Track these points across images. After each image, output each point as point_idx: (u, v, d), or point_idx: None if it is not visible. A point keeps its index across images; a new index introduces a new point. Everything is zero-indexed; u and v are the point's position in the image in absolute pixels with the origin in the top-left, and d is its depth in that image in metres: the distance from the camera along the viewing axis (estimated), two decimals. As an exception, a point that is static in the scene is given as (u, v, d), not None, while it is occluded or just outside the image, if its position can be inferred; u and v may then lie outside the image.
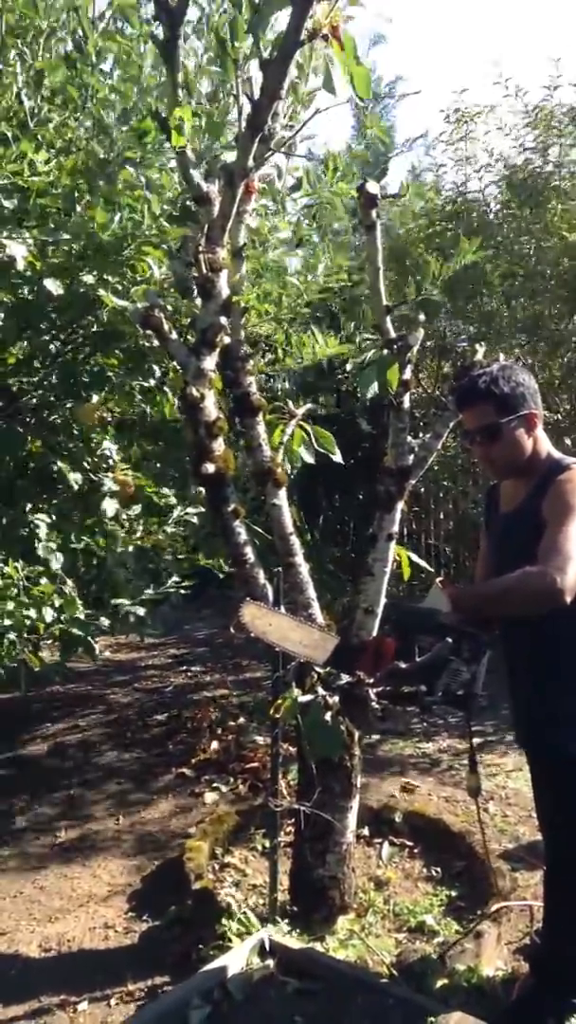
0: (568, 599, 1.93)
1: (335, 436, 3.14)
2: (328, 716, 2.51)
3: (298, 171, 3.49)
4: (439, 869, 3.28)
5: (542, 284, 6.16)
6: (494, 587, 2.14)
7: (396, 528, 2.88)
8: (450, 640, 1.98)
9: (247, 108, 2.43)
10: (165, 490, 3.68)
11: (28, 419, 3.59)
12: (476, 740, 4.21)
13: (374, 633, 2.80)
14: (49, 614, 2.85)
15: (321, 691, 2.56)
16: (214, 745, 4.60)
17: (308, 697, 2.54)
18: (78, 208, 3.11)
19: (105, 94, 3.14)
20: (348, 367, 2.79)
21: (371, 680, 2.07)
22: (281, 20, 2.29)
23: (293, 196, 3.72)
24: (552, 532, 2.03)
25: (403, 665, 1.98)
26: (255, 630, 2.42)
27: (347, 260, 3.98)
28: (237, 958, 2.57)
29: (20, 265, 2.86)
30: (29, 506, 3.25)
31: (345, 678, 2.27)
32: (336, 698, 2.59)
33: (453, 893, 3.11)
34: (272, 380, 5.49)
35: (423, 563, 3.24)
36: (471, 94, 6.62)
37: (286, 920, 2.81)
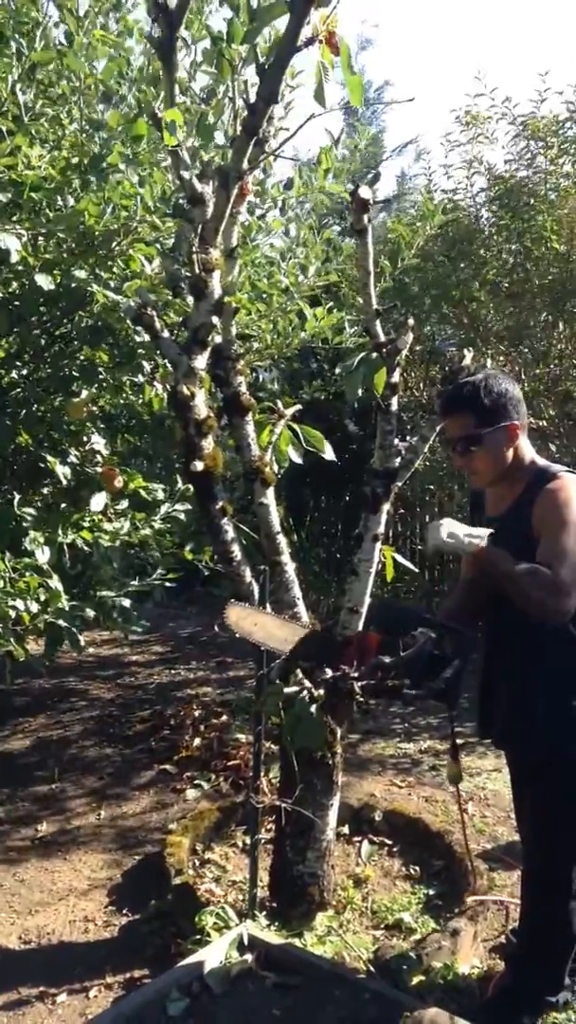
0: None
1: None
2: (312, 709, 2.53)
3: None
4: (417, 868, 3.31)
5: (528, 293, 6.21)
6: (515, 569, 2.08)
7: (382, 529, 2.91)
8: (433, 635, 2.01)
9: (243, 111, 2.46)
10: (153, 485, 3.69)
11: (17, 412, 3.59)
12: (457, 741, 4.24)
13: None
14: (34, 606, 2.86)
15: (306, 683, 2.58)
16: (196, 742, 4.61)
17: (293, 689, 2.56)
18: (71, 202, 3.13)
19: (94, 87, 3.17)
20: (337, 370, 2.82)
21: (355, 674, 2.11)
22: (278, 23, 2.32)
23: (287, 194, 3.78)
24: (552, 549, 2.05)
25: (386, 659, 2.01)
26: (240, 631, 2.45)
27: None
28: (216, 952, 2.59)
29: (13, 258, 2.87)
30: (17, 499, 3.25)
31: (329, 672, 2.30)
32: (320, 691, 2.61)
33: (431, 892, 3.14)
34: (257, 373, 5.53)
35: (408, 564, 3.27)
36: (460, 99, 6.57)
37: (265, 915, 2.84)
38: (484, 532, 2.19)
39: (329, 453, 3.07)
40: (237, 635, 2.45)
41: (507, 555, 2.12)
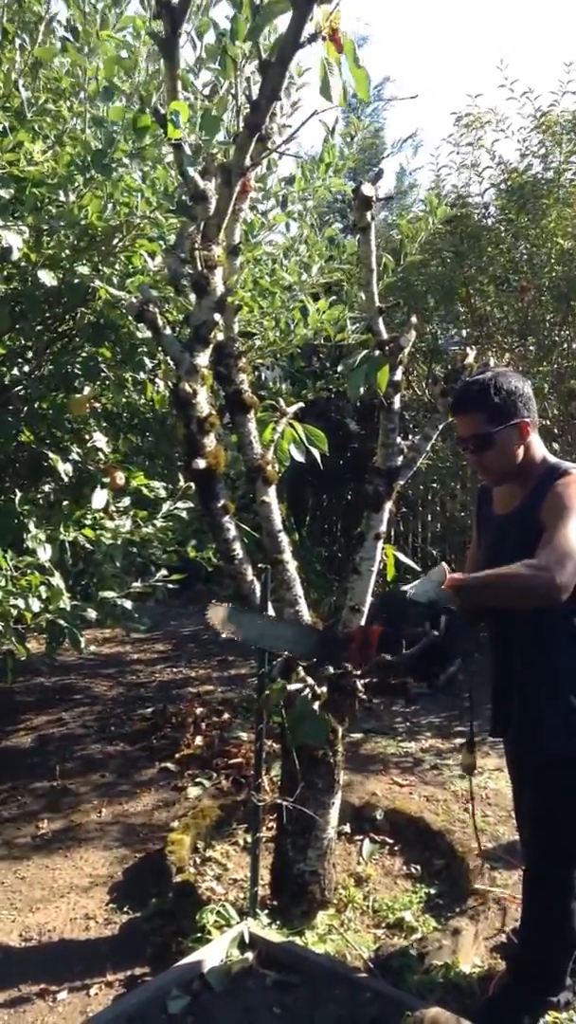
0: (564, 597, 1.96)
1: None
2: (315, 707, 2.52)
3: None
4: (419, 867, 3.31)
5: (534, 287, 6.19)
6: (493, 576, 2.10)
7: (384, 528, 2.90)
8: (435, 632, 1.99)
9: (245, 107, 2.45)
10: (155, 483, 3.68)
11: (19, 409, 3.59)
12: (458, 741, 4.24)
13: (360, 631, 2.82)
14: (36, 604, 2.86)
15: (309, 680, 2.58)
16: (198, 740, 4.61)
17: (296, 686, 2.55)
18: (72, 198, 3.12)
19: (97, 85, 3.16)
20: (339, 368, 2.82)
21: (359, 672, 2.10)
22: (281, 19, 2.31)
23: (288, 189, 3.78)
24: (551, 531, 2.05)
25: (390, 658, 2.00)
26: (225, 631, 2.44)
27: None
28: (217, 950, 2.59)
29: (15, 255, 2.86)
30: (19, 496, 3.25)
31: (332, 669, 2.29)
32: (323, 688, 2.60)
33: (432, 891, 3.14)
34: (259, 371, 5.53)
35: (410, 562, 3.27)
36: (471, 97, 6.50)
37: (266, 914, 2.83)
38: (437, 569, 2.15)
39: (318, 454, 3.09)
40: (223, 635, 2.45)
41: (470, 575, 2.13)
